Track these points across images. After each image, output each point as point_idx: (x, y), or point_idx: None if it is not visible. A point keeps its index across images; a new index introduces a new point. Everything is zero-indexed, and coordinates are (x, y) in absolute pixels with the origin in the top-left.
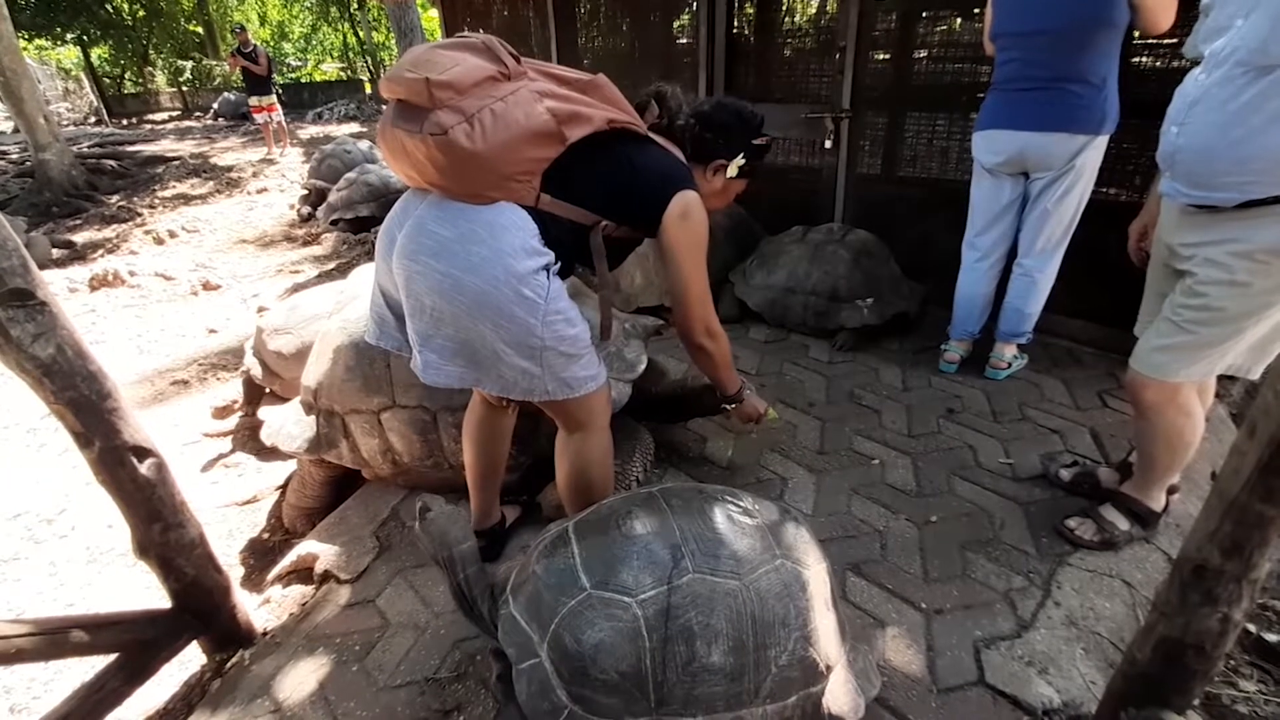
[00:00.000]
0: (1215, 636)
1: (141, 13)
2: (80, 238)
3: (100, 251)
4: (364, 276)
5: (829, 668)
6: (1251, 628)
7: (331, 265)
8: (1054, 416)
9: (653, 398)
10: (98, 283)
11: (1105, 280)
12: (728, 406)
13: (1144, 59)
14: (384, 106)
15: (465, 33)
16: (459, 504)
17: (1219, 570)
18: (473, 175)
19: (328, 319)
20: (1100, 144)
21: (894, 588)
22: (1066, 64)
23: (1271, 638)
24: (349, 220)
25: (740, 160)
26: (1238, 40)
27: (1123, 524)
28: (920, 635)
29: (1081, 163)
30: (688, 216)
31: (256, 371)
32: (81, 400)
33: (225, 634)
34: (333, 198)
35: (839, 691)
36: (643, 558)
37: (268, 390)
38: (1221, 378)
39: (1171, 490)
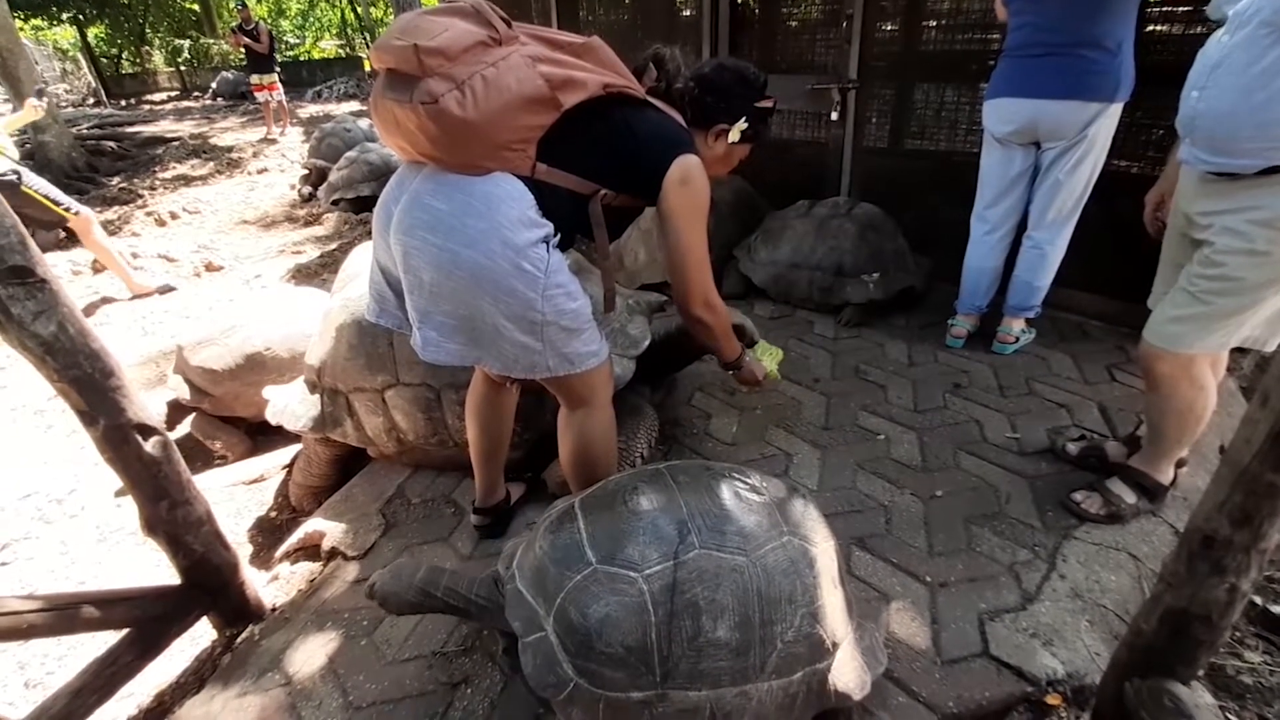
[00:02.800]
0: (1222, 607)
1: None
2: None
3: None
4: (363, 255)
5: (835, 645)
6: (1257, 599)
7: (333, 245)
8: (1061, 391)
9: (653, 351)
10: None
11: (1114, 253)
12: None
13: (1159, 26)
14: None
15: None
16: (464, 481)
17: (1228, 540)
18: (466, 144)
19: (258, 324)
20: (1114, 112)
21: (899, 562)
22: (1081, 28)
23: (1277, 609)
24: (350, 200)
25: (743, 124)
26: (1263, 0)
27: (1129, 497)
28: (925, 608)
29: (1094, 132)
30: (688, 182)
31: (184, 393)
32: (84, 378)
33: (235, 610)
34: (333, 177)
35: (845, 669)
36: (649, 533)
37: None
38: (1233, 351)
39: (1179, 464)
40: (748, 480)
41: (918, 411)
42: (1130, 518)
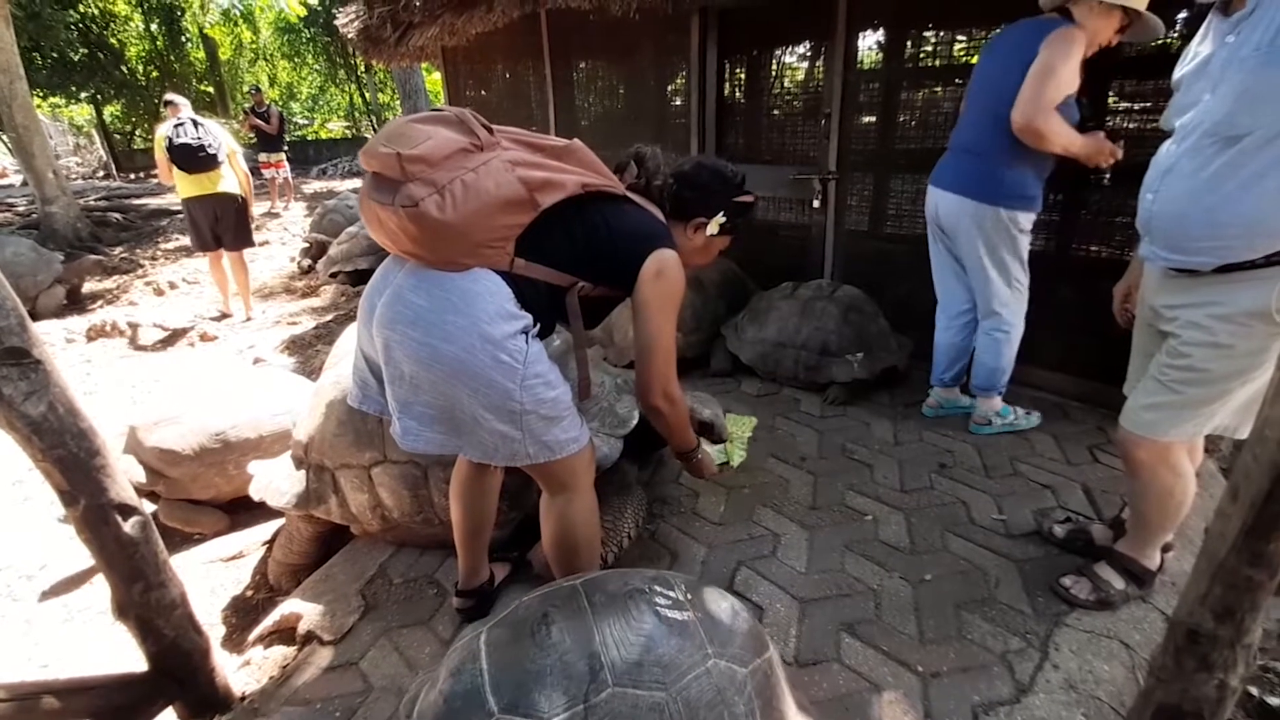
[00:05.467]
0: (1213, 703)
1: (155, 73)
2: (82, 288)
3: (100, 302)
4: (352, 335)
5: None
6: (1253, 690)
7: (329, 317)
8: (1045, 471)
9: (641, 427)
10: (95, 333)
11: (1090, 336)
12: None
13: (1119, 122)
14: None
15: (440, 107)
16: (448, 560)
17: (1212, 635)
18: (445, 244)
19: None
20: (1001, 216)
21: (889, 650)
22: (980, 134)
23: (1274, 701)
24: (348, 273)
25: (720, 218)
26: (1204, 113)
27: (1118, 583)
28: (917, 700)
29: (984, 230)
30: (662, 275)
31: (138, 476)
32: (69, 458)
33: (202, 699)
34: (333, 251)
35: None
36: (556, 672)
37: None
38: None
39: (1166, 548)
40: (670, 594)
41: (904, 491)
42: (1120, 604)
